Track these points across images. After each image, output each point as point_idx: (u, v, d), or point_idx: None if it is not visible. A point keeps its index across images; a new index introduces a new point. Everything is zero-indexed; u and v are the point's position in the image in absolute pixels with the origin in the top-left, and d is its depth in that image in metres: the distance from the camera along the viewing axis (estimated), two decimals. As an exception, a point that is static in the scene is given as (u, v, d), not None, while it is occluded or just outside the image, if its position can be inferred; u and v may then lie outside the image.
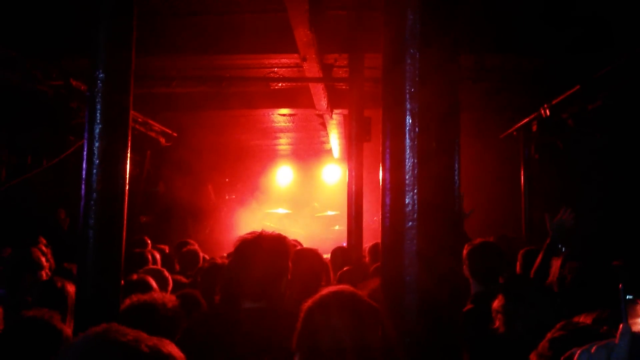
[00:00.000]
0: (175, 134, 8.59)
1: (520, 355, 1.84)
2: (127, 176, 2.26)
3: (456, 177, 1.24)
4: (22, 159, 7.38)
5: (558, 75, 5.97)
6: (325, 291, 1.61)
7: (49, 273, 5.29)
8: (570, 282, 2.62)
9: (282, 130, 10.17)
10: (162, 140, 8.31)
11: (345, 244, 7.71)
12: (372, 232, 7.80)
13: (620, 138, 5.83)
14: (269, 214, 12.06)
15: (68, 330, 2.39)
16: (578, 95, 5.55)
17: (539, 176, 7.19)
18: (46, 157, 7.76)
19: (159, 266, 4.82)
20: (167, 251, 6.44)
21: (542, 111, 6.30)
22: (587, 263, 2.76)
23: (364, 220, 5.81)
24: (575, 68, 5.60)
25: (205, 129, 9.69)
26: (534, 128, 6.60)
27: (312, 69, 5.64)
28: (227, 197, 12.79)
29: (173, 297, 2.75)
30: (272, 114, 8.85)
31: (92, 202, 2.12)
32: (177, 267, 5.30)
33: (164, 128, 8.23)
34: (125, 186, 2.25)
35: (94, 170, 2.13)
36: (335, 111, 7.61)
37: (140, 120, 7.57)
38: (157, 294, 2.67)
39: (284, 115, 8.87)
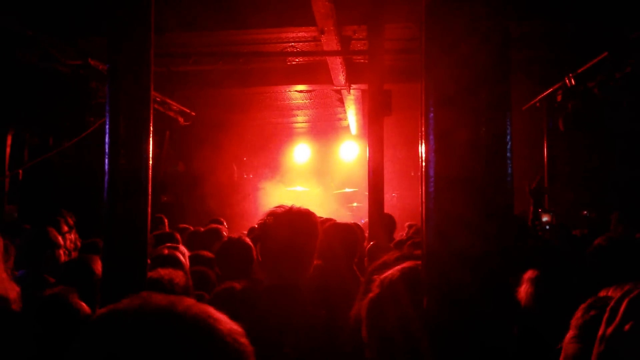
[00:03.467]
0: (193, 113, 8.57)
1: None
2: (150, 151, 2.24)
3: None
4: (44, 140, 7.45)
5: (586, 43, 5.78)
6: (399, 266, 1.53)
7: (66, 251, 5.36)
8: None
9: (299, 108, 10.09)
10: (181, 119, 8.30)
11: (363, 221, 7.69)
12: (390, 208, 7.75)
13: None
14: (287, 191, 12.06)
15: (86, 307, 2.39)
16: (606, 62, 5.37)
17: (563, 150, 7.04)
18: (66, 137, 7.81)
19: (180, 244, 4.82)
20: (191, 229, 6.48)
21: (567, 80, 6.12)
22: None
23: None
24: (605, 35, 5.41)
25: (222, 108, 9.66)
26: (559, 98, 6.43)
27: (330, 42, 5.54)
28: (245, 176, 12.82)
29: (181, 274, 2.73)
30: (289, 91, 8.77)
31: (116, 177, 2.10)
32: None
33: (182, 107, 8.21)
34: (148, 160, 2.22)
35: (118, 145, 2.10)
36: (353, 86, 7.51)
37: (158, 99, 7.56)
38: (163, 271, 2.65)
39: (301, 92, 8.79)
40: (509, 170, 1.14)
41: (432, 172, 1.21)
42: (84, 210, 7.60)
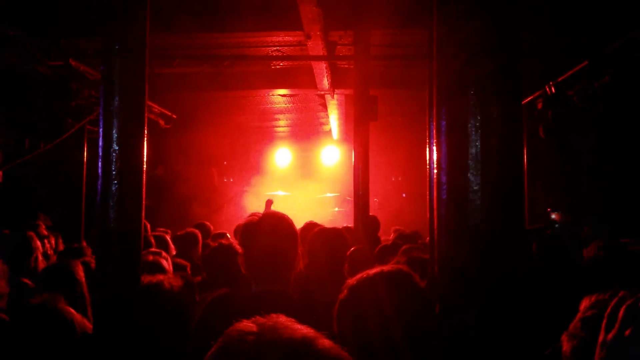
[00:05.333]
0: (174, 116, 8.49)
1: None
2: (145, 154, 2.21)
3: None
4: (20, 141, 7.29)
5: (565, 52, 5.91)
6: (373, 270, 1.54)
7: (49, 254, 5.24)
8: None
9: (281, 112, 10.08)
10: (162, 122, 8.21)
11: (346, 225, 7.71)
12: (372, 213, 7.78)
13: (624, 116, 5.80)
14: (268, 196, 12.01)
15: (74, 312, 2.34)
16: (585, 71, 5.50)
17: (542, 156, 7.18)
18: (44, 139, 7.66)
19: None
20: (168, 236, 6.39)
21: (548, 88, 6.24)
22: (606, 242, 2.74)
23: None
24: (583, 44, 5.54)
25: (204, 111, 9.59)
26: (539, 106, 6.55)
27: (316, 46, 5.55)
28: (225, 180, 12.72)
29: (179, 280, 2.70)
30: (272, 95, 8.75)
31: (111, 180, 2.07)
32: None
33: (163, 110, 8.12)
34: (143, 164, 2.19)
35: (113, 148, 2.07)
36: (337, 91, 7.53)
37: (139, 101, 7.44)
38: (163, 276, 2.62)
39: (283, 96, 8.78)
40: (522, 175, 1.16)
41: (444, 179, 1.22)
42: (62, 213, 7.46)
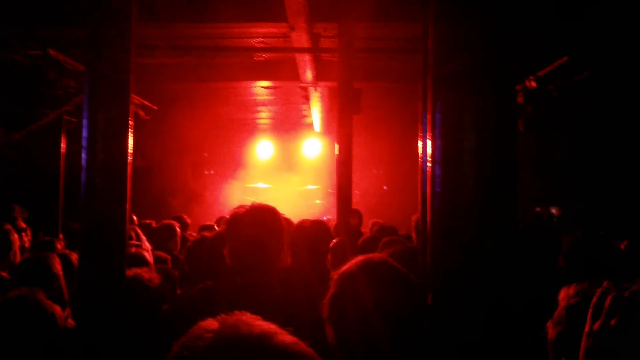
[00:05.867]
0: (155, 107, 8.37)
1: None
2: (130, 145, 2.17)
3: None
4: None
5: (545, 47, 5.98)
6: (357, 259, 1.55)
7: (26, 247, 5.15)
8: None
9: (263, 104, 10.01)
10: (142, 113, 8.09)
11: (326, 218, 7.72)
12: (353, 205, 7.80)
13: (604, 111, 5.91)
14: (249, 188, 11.95)
15: (54, 305, 2.31)
16: (565, 66, 5.57)
17: (527, 150, 7.27)
18: (18, 129, 7.49)
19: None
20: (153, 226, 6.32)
21: (528, 83, 6.31)
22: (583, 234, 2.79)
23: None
24: (563, 39, 5.61)
25: (184, 102, 9.47)
26: (520, 100, 6.62)
27: (300, 38, 5.52)
28: (205, 172, 12.61)
29: (157, 273, 2.68)
30: (254, 87, 8.68)
31: (95, 172, 2.03)
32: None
33: (143, 101, 8.00)
34: (127, 155, 2.16)
35: (97, 139, 2.03)
36: (320, 83, 7.51)
37: (119, 92, 7.32)
38: (141, 270, 2.60)
39: (266, 87, 8.72)
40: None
41: (438, 172, 1.22)
42: (37, 205, 7.31)
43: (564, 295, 1.79)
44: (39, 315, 2.10)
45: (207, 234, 4.13)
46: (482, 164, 1.17)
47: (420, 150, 1.62)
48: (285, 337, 0.82)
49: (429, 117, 1.27)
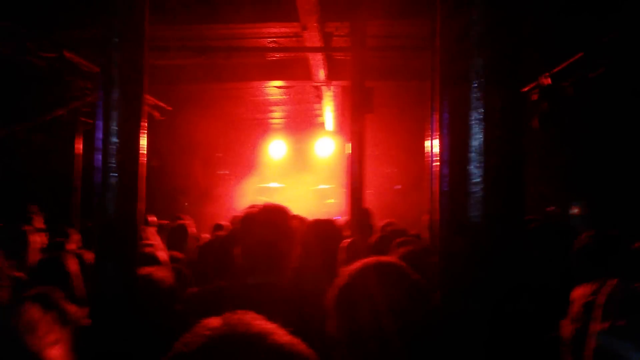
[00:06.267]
0: (169, 108, 8.44)
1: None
2: (145, 147, 2.20)
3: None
4: (12, 133, 7.23)
5: (560, 42, 5.91)
6: (365, 261, 1.55)
7: (44, 244, 5.22)
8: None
9: (276, 104, 10.04)
10: (157, 114, 8.16)
11: (340, 218, 7.72)
12: (367, 204, 7.79)
13: (619, 107, 5.83)
14: (262, 188, 11.99)
15: (70, 305, 2.34)
16: (581, 62, 5.51)
17: (538, 148, 7.20)
18: (35, 131, 7.61)
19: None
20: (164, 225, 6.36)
21: (543, 79, 6.25)
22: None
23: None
24: (579, 35, 5.54)
25: (198, 103, 9.54)
26: (534, 97, 6.56)
27: (312, 38, 5.52)
28: (219, 172, 12.69)
29: (170, 272, 2.70)
30: (267, 87, 8.71)
31: (110, 174, 2.05)
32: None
33: (157, 102, 8.07)
34: (142, 157, 2.18)
35: (112, 140, 2.05)
36: (333, 82, 7.51)
37: (133, 93, 7.39)
38: (153, 269, 2.62)
39: (279, 87, 8.74)
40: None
41: (446, 172, 1.22)
42: (52, 205, 7.41)
43: (580, 293, 1.78)
44: (56, 314, 2.13)
45: (220, 233, 4.16)
46: (490, 164, 1.16)
47: (428, 149, 1.62)
48: (282, 337, 0.83)
49: (436, 116, 1.27)
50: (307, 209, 10.81)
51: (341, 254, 4.17)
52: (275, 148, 12.27)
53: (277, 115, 11.21)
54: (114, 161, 2.05)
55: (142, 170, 2.16)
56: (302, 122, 11.76)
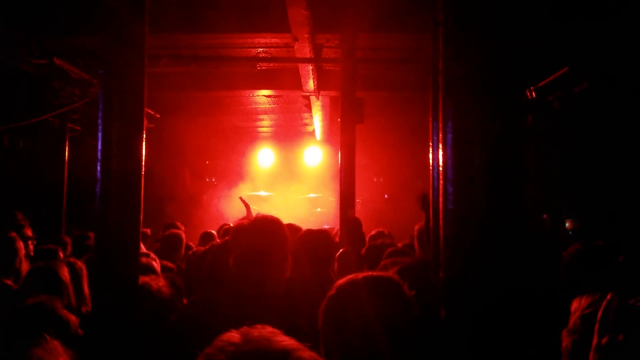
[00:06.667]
0: (158, 115, 8.42)
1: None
2: (143, 154, 2.22)
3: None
4: (-1, 139, 7.17)
5: (544, 57, 6.04)
6: (359, 275, 1.56)
7: (32, 256, 5.16)
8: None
9: (265, 112, 10.07)
10: (145, 121, 8.12)
11: (327, 227, 7.73)
12: (356, 213, 7.83)
13: (605, 122, 5.97)
14: (251, 196, 11.96)
15: (72, 317, 2.34)
16: (566, 77, 5.63)
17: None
18: (24, 137, 7.54)
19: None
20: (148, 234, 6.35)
21: (528, 93, 6.37)
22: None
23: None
24: (563, 50, 5.67)
25: (187, 111, 9.53)
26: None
27: (303, 49, 5.58)
28: (207, 180, 12.65)
29: (165, 282, 2.70)
30: (256, 96, 8.74)
31: (110, 181, 2.07)
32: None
33: (146, 109, 8.04)
34: (141, 163, 2.20)
35: (112, 149, 2.08)
36: (322, 93, 7.57)
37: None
38: (149, 278, 2.62)
39: (267, 96, 8.78)
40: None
41: (450, 175, 1.26)
42: (39, 212, 7.33)
43: (577, 305, 1.83)
44: (56, 323, 2.14)
45: (213, 243, 4.15)
46: (493, 183, 1.21)
47: (431, 163, 1.65)
48: (305, 353, 0.84)
49: (440, 134, 1.32)
50: (296, 218, 10.78)
51: (334, 265, 4.19)
52: (264, 156, 12.27)
53: (265, 124, 11.24)
54: (114, 171, 2.07)
55: (141, 180, 2.19)
56: (290, 131, 11.80)
